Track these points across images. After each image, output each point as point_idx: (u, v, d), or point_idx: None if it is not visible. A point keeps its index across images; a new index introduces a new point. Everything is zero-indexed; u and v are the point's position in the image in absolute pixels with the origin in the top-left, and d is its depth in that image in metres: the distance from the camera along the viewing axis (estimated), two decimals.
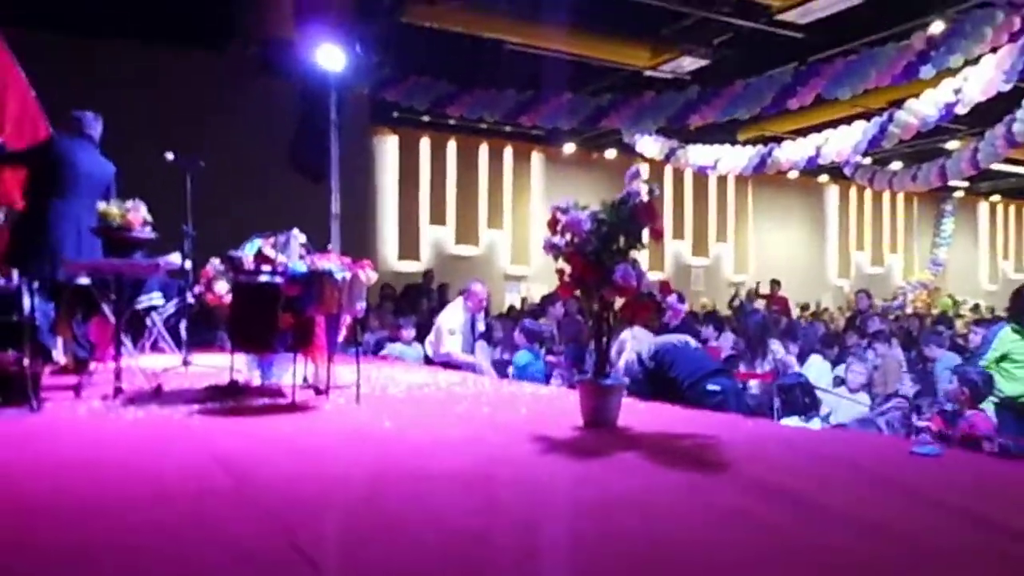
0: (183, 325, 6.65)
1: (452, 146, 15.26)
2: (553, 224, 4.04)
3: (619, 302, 3.94)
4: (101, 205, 4.85)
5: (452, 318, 7.45)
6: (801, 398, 5.45)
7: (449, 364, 7.10)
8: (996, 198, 22.30)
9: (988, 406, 5.35)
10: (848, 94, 9.41)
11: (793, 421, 5.36)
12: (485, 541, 2.05)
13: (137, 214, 4.81)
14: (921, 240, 21.62)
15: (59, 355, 5.83)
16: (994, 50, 8.52)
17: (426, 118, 13.73)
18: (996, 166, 13.19)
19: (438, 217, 15.11)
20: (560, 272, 4.06)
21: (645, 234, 3.95)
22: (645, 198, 3.91)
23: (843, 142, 11.47)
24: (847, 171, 14.37)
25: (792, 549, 2.03)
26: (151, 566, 1.84)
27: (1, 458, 2.92)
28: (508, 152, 15.97)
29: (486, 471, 2.83)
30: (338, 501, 2.41)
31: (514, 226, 16.01)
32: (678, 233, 17.78)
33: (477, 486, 2.61)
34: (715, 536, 2.13)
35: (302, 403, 4.47)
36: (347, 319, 4.81)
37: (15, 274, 4.61)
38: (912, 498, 2.50)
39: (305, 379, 5.05)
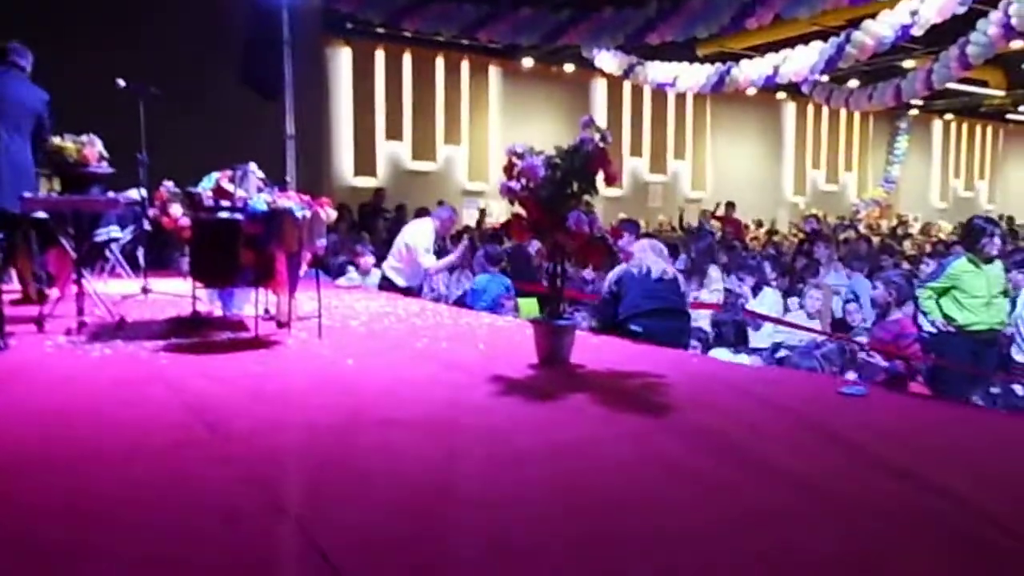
0: (140, 252, 6.71)
1: (407, 59, 15.01)
2: (509, 168, 4.19)
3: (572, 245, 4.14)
4: (55, 140, 4.86)
5: (424, 237, 7.41)
6: (731, 333, 5.76)
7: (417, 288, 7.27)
8: (950, 116, 22.74)
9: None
10: (807, 14, 9.51)
11: (722, 353, 5.69)
12: (447, 494, 2.27)
13: (93, 149, 4.83)
14: (875, 158, 22.05)
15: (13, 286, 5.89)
16: None
17: (380, 30, 13.47)
18: (951, 85, 13.44)
19: (394, 132, 14.98)
20: (515, 216, 4.24)
21: (599, 180, 4.13)
22: (599, 145, 4.08)
23: (801, 62, 11.58)
24: (804, 89, 14.50)
25: (720, 500, 2.29)
26: (135, 527, 2.01)
27: None
28: (465, 65, 15.77)
29: (446, 416, 3.05)
30: (309, 453, 2.61)
31: (471, 141, 15.95)
32: (636, 150, 17.89)
33: (438, 433, 2.84)
34: (651, 485, 2.39)
35: (265, 338, 4.63)
36: (308, 255, 4.94)
37: None
38: (834, 444, 2.78)
39: (267, 310, 5.20)
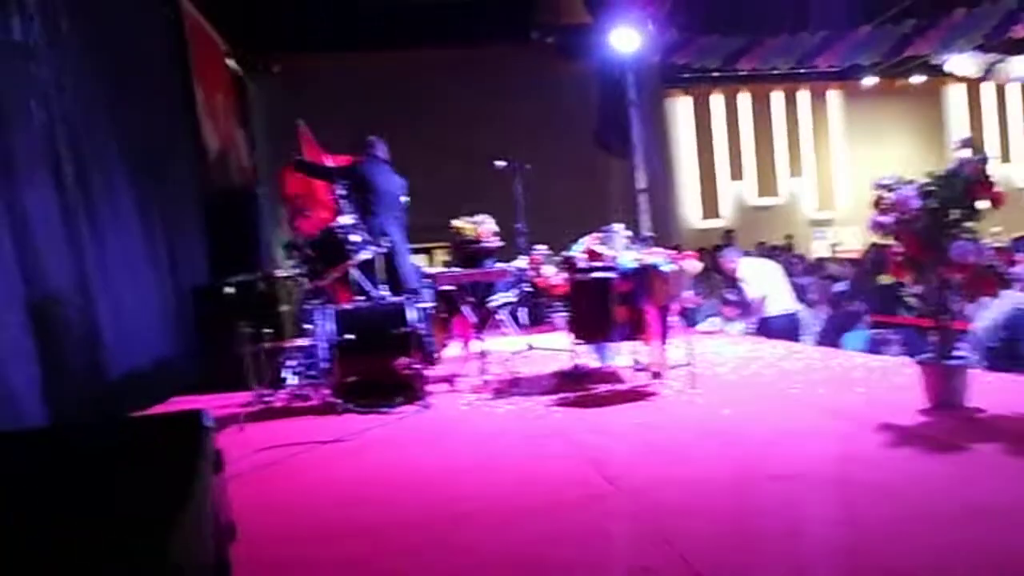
0: (522, 311, 7.28)
1: (744, 98, 14.75)
2: (878, 202, 3.89)
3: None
4: (456, 222, 5.47)
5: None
6: None
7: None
8: None
9: None
10: None
11: None
12: (853, 556, 2.13)
13: (486, 227, 5.36)
14: None
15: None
16: None
17: (716, 73, 13.39)
18: None
19: (736, 171, 14.74)
20: (889, 251, 3.91)
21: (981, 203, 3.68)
22: (979, 166, 3.64)
23: None
24: None
25: None
26: None
27: (416, 463, 3.50)
28: (803, 95, 15.10)
29: (838, 470, 2.87)
30: (707, 507, 2.60)
31: (817, 170, 15.14)
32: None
33: (833, 489, 2.68)
34: None
35: (642, 389, 4.74)
36: (676, 306, 5.00)
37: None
38: None
39: (636, 360, 5.33)
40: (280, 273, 6.05)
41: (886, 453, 3.07)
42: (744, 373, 5.09)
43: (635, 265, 4.74)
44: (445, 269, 5.73)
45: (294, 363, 5.17)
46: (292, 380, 5.15)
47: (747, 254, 8.09)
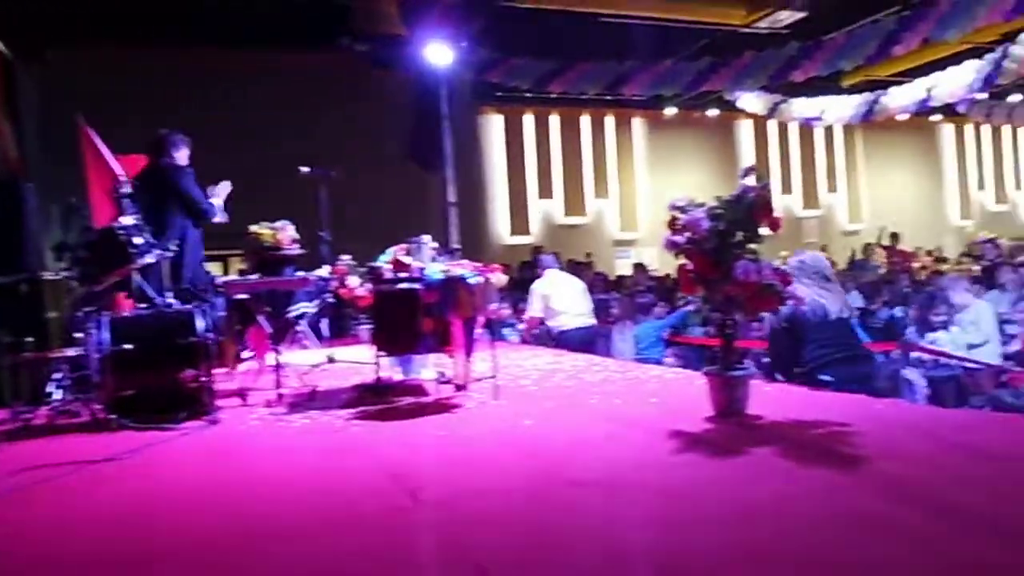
0: (324, 322, 7.12)
1: (555, 119, 15.36)
2: (672, 223, 4.16)
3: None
4: (253, 227, 5.25)
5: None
6: None
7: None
8: None
9: None
10: (957, 36, 9.00)
11: None
12: (644, 557, 2.24)
13: (285, 234, 5.19)
14: None
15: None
16: None
17: (528, 94, 13.84)
18: None
19: (545, 190, 15.30)
20: (682, 268, 4.19)
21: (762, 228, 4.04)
22: (761, 193, 3.99)
23: (955, 83, 10.98)
24: (961, 109, 13.72)
25: (927, 558, 2.14)
26: None
27: (201, 482, 3.31)
28: (610, 120, 15.96)
29: (631, 477, 3.03)
30: (507, 517, 2.64)
31: (620, 193, 16.02)
32: (786, 187, 17.39)
33: (626, 494, 2.82)
34: (851, 544, 2.25)
35: (446, 401, 4.77)
36: (482, 319, 5.08)
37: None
38: None
39: (441, 373, 5.36)
40: (48, 276, 5.54)
41: (675, 459, 3.27)
42: (546, 385, 5.26)
43: (442, 277, 4.77)
44: (239, 277, 5.49)
45: (60, 376, 4.74)
46: (58, 395, 4.71)
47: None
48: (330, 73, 11.28)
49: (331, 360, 6.23)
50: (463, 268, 4.85)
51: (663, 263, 12.23)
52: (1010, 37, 9.77)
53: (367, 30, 10.87)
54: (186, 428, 4.26)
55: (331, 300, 6.67)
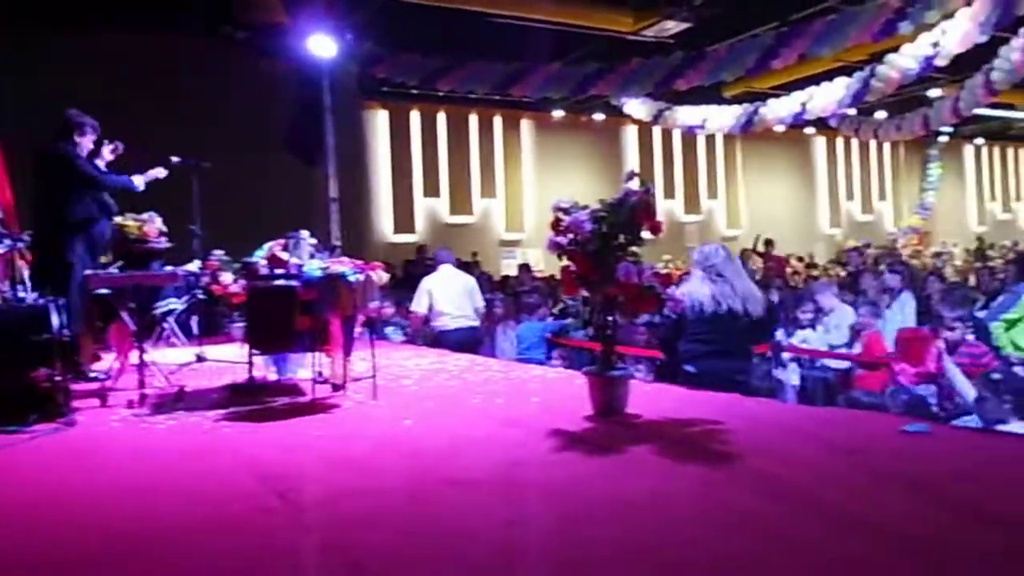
0: (194, 320, 6.84)
1: (442, 117, 15.31)
2: (556, 224, 4.20)
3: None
4: (118, 218, 4.99)
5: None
6: None
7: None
8: (980, 141, 22.45)
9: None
10: (830, 53, 9.53)
11: None
12: (521, 554, 2.26)
13: (152, 226, 4.96)
14: (909, 186, 21.80)
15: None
16: (968, 3, 8.59)
17: (415, 91, 13.74)
18: (979, 110, 13.32)
19: (431, 189, 15.21)
20: (565, 270, 4.25)
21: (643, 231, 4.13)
22: (643, 196, 4.08)
23: (827, 98, 11.55)
24: (833, 123, 14.47)
25: (794, 553, 2.24)
26: None
27: (54, 487, 3.11)
28: (498, 120, 16.04)
29: (510, 475, 3.03)
30: (382, 518, 2.60)
31: (507, 193, 16.13)
32: (669, 192, 17.94)
33: (504, 492, 2.82)
34: (722, 538, 2.34)
35: (322, 402, 4.66)
36: (361, 317, 4.99)
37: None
38: (902, 486, 2.70)
39: (319, 373, 5.23)
40: None
41: (553, 457, 3.30)
42: (428, 385, 5.22)
43: (320, 274, 4.66)
44: (100, 271, 5.19)
45: None
46: None
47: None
48: (210, 61, 10.85)
49: (201, 359, 6.00)
50: (343, 265, 4.75)
51: (549, 264, 12.36)
52: (878, 57, 10.38)
53: (249, 18, 10.54)
54: (37, 431, 3.99)
55: (202, 296, 6.42)
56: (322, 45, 8.74)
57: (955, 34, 8.99)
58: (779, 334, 6.99)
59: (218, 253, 6.21)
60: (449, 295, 7.44)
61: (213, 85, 10.89)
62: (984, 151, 23.13)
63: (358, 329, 5.03)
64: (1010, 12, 8.27)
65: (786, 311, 7.62)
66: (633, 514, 2.57)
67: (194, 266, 5.56)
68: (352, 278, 4.62)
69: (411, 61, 11.25)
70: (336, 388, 4.96)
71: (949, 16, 8.75)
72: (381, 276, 4.88)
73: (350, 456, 3.43)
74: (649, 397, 4.38)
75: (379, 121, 14.83)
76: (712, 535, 2.37)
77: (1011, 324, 5.38)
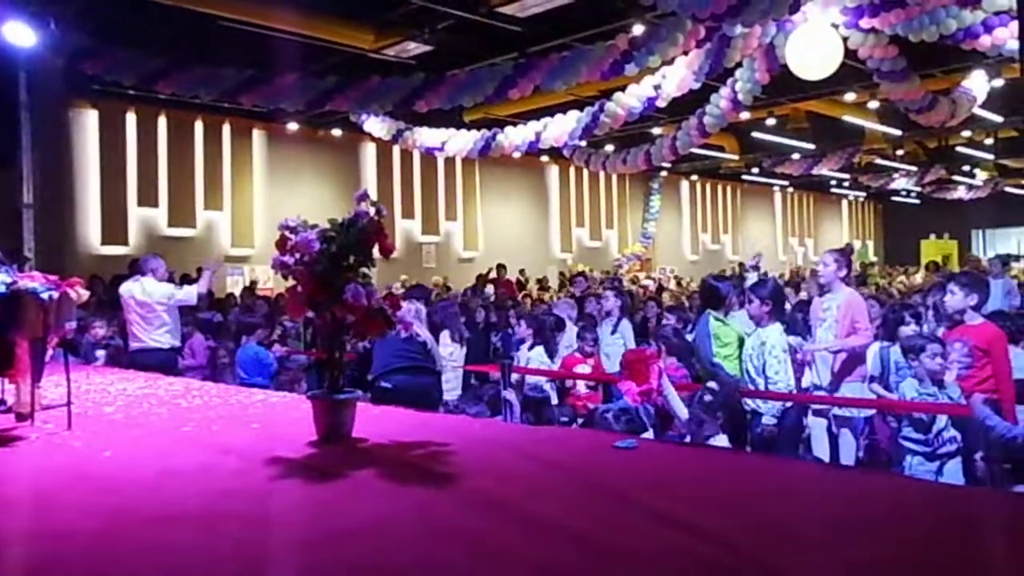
0: None
1: (163, 122, 14.42)
2: (282, 243, 4.14)
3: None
4: None
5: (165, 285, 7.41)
6: None
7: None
8: (695, 177, 25.14)
9: None
10: (563, 87, 10.25)
11: None
12: None
13: None
14: (633, 215, 23.83)
15: None
16: (685, 52, 9.68)
17: (132, 91, 12.84)
18: (694, 149, 14.92)
19: (148, 198, 14.25)
20: (291, 290, 4.19)
21: (375, 252, 4.19)
22: (374, 218, 4.14)
23: (561, 129, 12.38)
24: (566, 153, 15.50)
25: (504, 564, 2.38)
26: None
27: None
28: (227, 129, 15.38)
29: (222, 507, 2.93)
30: (69, 563, 2.41)
31: (235, 206, 15.49)
32: (408, 212, 18.17)
33: (215, 527, 2.72)
34: (435, 557, 2.44)
35: (4, 433, 4.22)
36: (54, 339, 4.58)
37: None
38: (606, 497, 2.97)
39: (2, 401, 4.74)
40: None
41: (271, 486, 3.24)
42: (134, 412, 4.89)
43: (4, 291, 4.23)
44: None
45: None
46: None
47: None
48: None
49: None
50: (33, 281, 4.34)
51: (279, 282, 12.04)
52: (607, 95, 11.32)
53: None
54: None
55: None
56: (19, 33, 7.93)
57: (674, 79, 10.10)
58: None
59: None
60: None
61: None
62: (698, 186, 25.89)
63: (50, 352, 4.61)
64: (719, 63, 9.44)
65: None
66: (352, 541, 2.59)
67: None
68: (44, 295, 4.24)
69: (127, 58, 10.51)
70: (21, 418, 4.51)
71: (669, 62, 9.80)
72: (80, 293, 4.51)
73: (36, 495, 3.13)
74: (377, 420, 4.43)
75: (89, 121, 13.67)
76: (426, 552, 2.46)
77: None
